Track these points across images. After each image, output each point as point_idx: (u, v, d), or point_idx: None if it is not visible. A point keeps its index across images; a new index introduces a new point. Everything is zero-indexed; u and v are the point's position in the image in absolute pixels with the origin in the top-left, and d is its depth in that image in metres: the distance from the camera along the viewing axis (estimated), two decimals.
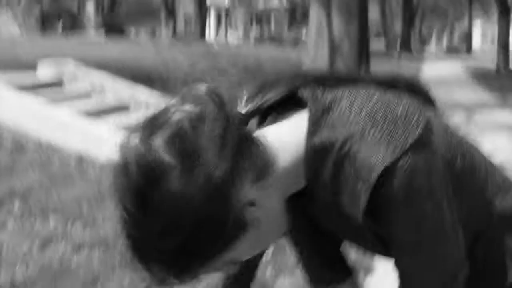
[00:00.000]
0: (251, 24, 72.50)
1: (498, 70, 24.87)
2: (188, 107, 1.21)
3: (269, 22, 75.47)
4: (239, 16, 71.52)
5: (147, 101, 9.58)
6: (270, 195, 1.25)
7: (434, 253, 1.32)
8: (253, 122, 1.35)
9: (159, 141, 1.17)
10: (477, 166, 1.42)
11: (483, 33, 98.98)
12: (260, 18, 75.62)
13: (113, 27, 40.24)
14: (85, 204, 5.67)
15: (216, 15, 62.04)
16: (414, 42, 62.43)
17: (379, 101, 1.29)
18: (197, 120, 1.18)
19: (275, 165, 1.25)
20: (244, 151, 1.19)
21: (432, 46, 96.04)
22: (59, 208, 5.54)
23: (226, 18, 66.80)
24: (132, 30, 43.92)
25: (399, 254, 1.36)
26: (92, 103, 9.10)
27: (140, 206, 1.17)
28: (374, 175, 1.23)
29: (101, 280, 4.22)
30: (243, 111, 1.32)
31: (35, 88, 8.92)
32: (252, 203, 1.21)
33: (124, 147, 1.22)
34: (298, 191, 1.36)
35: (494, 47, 28.10)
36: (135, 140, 1.20)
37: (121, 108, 9.36)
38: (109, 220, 5.31)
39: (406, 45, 46.16)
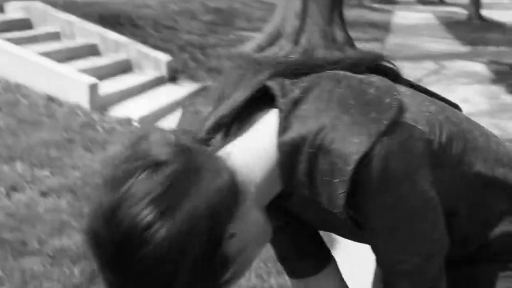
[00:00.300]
0: None
1: (469, 18, 24.88)
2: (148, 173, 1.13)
3: None
4: None
5: (116, 45, 9.44)
6: (248, 217, 1.22)
7: (411, 237, 1.28)
8: (217, 138, 1.28)
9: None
10: (455, 134, 1.36)
11: None
12: None
13: None
14: (53, 149, 5.59)
15: None
16: None
17: (349, 86, 1.24)
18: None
19: (246, 191, 1.21)
20: (217, 205, 1.15)
21: None
22: (26, 153, 5.45)
23: None
24: None
25: (376, 238, 1.32)
26: (61, 46, 8.94)
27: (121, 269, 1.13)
28: (350, 167, 1.18)
29: (69, 226, 4.17)
30: (205, 127, 1.26)
31: (3, 29, 8.74)
32: (232, 235, 1.18)
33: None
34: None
35: None
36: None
37: (90, 51, 9.21)
38: (77, 168, 5.25)
39: None
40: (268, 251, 3.43)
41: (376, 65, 1.41)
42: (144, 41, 10.57)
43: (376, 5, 35.22)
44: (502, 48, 16.76)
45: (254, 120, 1.28)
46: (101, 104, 7.30)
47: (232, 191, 1.17)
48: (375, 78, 1.29)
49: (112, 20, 11.75)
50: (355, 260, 2.64)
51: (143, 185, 1.11)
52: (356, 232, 1.37)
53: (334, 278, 1.63)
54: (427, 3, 45.60)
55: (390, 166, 1.19)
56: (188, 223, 1.10)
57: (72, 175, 5.08)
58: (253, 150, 1.25)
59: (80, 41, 9.36)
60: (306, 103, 1.23)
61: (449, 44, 17.26)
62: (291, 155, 1.22)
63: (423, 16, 29.48)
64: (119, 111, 7.36)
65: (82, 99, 7.11)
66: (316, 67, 1.32)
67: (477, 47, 17.02)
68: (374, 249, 1.34)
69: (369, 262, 1.35)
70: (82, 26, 9.65)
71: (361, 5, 31.42)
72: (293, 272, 1.62)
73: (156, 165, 1.12)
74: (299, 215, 1.42)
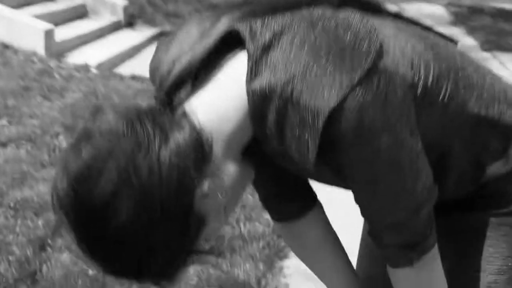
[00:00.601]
0: None
1: None
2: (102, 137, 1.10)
3: None
4: None
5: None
6: (222, 171, 1.18)
7: (393, 191, 1.21)
8: (184, 90, 1.21)
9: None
10: (445, 72, 1.27)
11: None
12: None
13: None
14: (10, 98, 5.43)
15: None
16: None
17: (324, 30, 1.14)
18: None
19: (214, 146, 1.15)
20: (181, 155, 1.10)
21: None
22: None
23: None
24: None
25: (358, 192, 1.25)
26: None
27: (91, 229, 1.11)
28: (321, 121, 1.10)
29: (30, 177, 4.06)
30: (168, 82, 1.19)
31: None
32: (205, 195, 1.14)
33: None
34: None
35: None
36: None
37: None
38: (35, 116, 5.11)
39: None
40: None
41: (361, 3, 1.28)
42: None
43: None
44: None
45: (221, 68, 1.19)
46: (57, 51, 7.11)
47: (197, 149, 1.12)
48: (355, 19, 1.17)
49: None
50: (340, 204, 2.57)
51: (104, 150, 1.08)
52: (337, 181, 1.30)
53: (319, 222, 1.58)
54: None
55: (365, 119, 1.11)
56: (150, 186, 1.07)
57: (30, 123, 4.93)
58: (220, 101, 1.17)
59: None
60: (277, 49, 1.13)
61: None
62: (260, 105, 1.14)
63: None
64: (76, 57, 7.18)
65: (38, 46, 6.91)
66: (290, 6, 1.22)
67: None
68: (357, 201, 1.27)
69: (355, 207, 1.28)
70: None
71: None
72: (276, 214, 1.57)
73: (114, 134, 1.09)
74: (277, 161, 1.34)
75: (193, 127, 1.13)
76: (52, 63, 6.70)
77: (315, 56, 1.10)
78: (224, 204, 1.19)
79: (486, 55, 8.69)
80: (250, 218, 3.71)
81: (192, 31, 1.23)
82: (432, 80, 1.22)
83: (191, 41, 1.21)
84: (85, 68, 6.75)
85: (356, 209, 1.28)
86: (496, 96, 1.33)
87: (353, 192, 1.26)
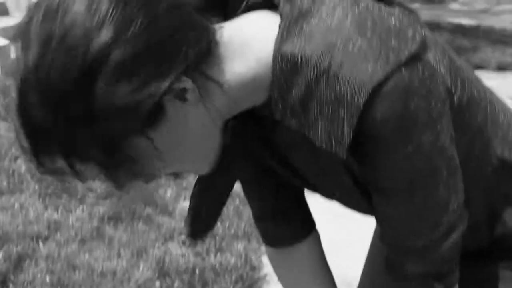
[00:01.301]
0: None
1: None
2: None
3: None
4: None
5: (29, 4, 8.98)
6: (209, 95, 1.02)
7: (430, 200, 1.07)
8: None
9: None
10: (478, 99, 1.16)
11: None
12: None
13: None
14: None
15: None
16: None
17: (369, 8, 1.03)
18: None
19: (223, 68, 1.02)
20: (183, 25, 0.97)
21: None
22: None
23: None
24: None
25: (385, 204, 1.10)
26: None
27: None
28: (362, 97, 0.97)
29: None
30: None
31: None
32: (182, 96, 0.98)
33: None
34: (254, 112, 1.11)
35: None
36: None
37: None
38: None
39: None
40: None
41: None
42: None
43: None
44: (416, 5, 16.88)
45: (251, 19, 1.07)
46: None
47: (206, 45, 0.99)
48: (396, 10, 1.06)
49: None
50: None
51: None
52: (351, 192, 1.16)
53: (314, 252, 1.43)
54: None
55: (410, 106, 0.99)
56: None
57: None
58: (243, 43, 1.04)
59: None
60: (316, 16, 1.01)
61: None
62: (287, 74, 1.01)
63: None
64: None
65: None
66: None
67: None
68: (381, 219, 1.14)
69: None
70: None
71: None
72: (269, 237, 1.42)
73: None
74: (285, 156, 1.19)
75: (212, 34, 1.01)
76: (9, 82, 6.48)
77: (359, 28, 0.99)
78: (179, 141, 1.03)
79: None
80: (221, 248, 3.57)
81: None
82: (467, 100, 1.12)
83: None
84: None
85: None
86: None
87: (378, 206, 1.12)
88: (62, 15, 0.93)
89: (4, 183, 4.18)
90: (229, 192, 1.26)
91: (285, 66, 1.01)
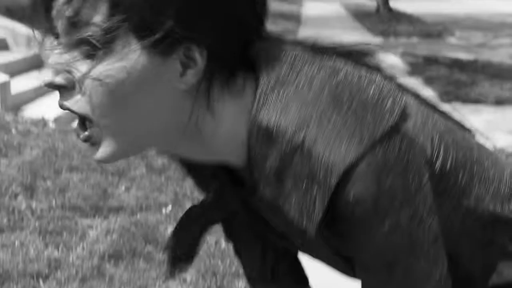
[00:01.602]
0: None
1: (378, 9, 25.13)
2: None
3: None
4: None
5: (27, 39, 9.01)
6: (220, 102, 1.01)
7: (409, 275, 1.05)
8: None
9: None
10: (463, 162, 1.14)
11: None
12: None
13: None
14: None
15: None
16: None
17: (347, 78, 1.01)
18: None
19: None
20: None
21: None
22: None
23: None
24: None
25: (367, 276, 1.08)
26: None
27: None
28: (334, 177, 0.96)
29: None
30: None
31: None
32: (189, 57, 0.96)
33: None
34: (234, 173, 1.11)
35: None
36: None
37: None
38: None
39: None
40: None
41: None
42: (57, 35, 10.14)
43: None
44: (414, 39, 16.96)
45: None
46: (13, 104, 6.91)
47: None
48: (377, 77, 1.04)
49: (21, 13, 11.26)
50: None
51: None
52: (335, 260, 1.16)
53: None
54: None
55: (385, 184, 0.97)
56: None
57: None
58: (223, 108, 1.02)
59: None
60: (292, 86, 0.99)
61: (361, 35, 17.36)
62: (262, 144, 0.99)
63: (331, 7, 29.70)
64: (33, 111, 6.98)
65: None
66: (314, 50, 1.08)
67: (389, 38, 17.18)
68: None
69: None
70: None
71: None
72: None
73: None
74: (266, 217, 1.17)
75: None
76: (8, 117, 6.50)
77: (335, 103, 0.97)
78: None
79: (446, 107, 8.70)
80: (221, 286, 3.55)
81: None
82: (450, 165, 1.10)
83: None
84: (43, 122, 6.55)
85: None
86: None
87: (360, 276, 1.09)
88: None
89: (4, 220, 4.16)
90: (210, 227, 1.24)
91: (261, 136, 1.00)
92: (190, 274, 3.60)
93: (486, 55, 13.58)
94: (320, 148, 0.96)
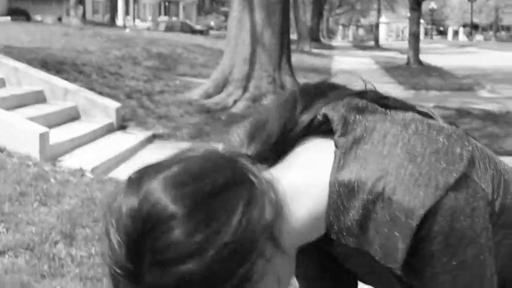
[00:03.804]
0: (160, 13, 71.98)
1: (408, 62, 25.26)
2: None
3: (178, 12, 75.20)
4: (147, 4, 70.88)
5: (64, 92, 9.18)
6: (275, 261, 1.09)
7: None
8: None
9: (161, 190, 1.01)
10: None
11: (388, 28, 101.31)
12: (168, 7, 75.26)
13: (18, 13, 39.02)
14: (6, 204, 5.29)
15: (124, 3, 61.00)
16: (323, 34, 63.36)
17: (418, 131, 1.11)
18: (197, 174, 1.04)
19: (286, 220, 1.08)
20: (256, 201, 1.04)
21: (338, 39, 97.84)
22: None
23: (134, 6, 65.97)
24: (38, 17, 42.60)
25: None
26: (6, 93, 8.61)
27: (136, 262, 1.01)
28: (415, 220, 1.05)
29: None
30: (248, 151, 1.15)
31: None
32: (264, 256, 1.04)
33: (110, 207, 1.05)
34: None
35: (399, 41, 28.49)
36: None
37: (36, 98, 8.92)
38: (32, 223, 4.96)
39: (315, 37, 46.57)
40: None
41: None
42: (90, 88, 10.34)
43: (315, 50, 35.55)
44: (445, 93, 16.99)
45: (303, 149, 1.15)
46: (52, 154, 7.02)
47: (276, 213, 1.05)
48: (445, 124, 1.16)
49: (56, 66, 11.49)
50: None
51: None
52: None
53: None
54: (363, 48, 46.35)
55: (457, 225, 1.06)
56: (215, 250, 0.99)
57: (28, 230, 4.78)
58: (301, 181, 1.11)
59: (26, 88, 9.05)
60: (368, 143, 1.10)
61: (393, 89, 17.41)
62: (344, 198, 1.09)
63: (362, 60, 29.93)
64: (70, 161, 7.09)
65: (32, 149, 6.82)
66: (379, 101, 1.21)
67: (420, 91, 17.22)
68: None
69: None
70: (28, 72, 9.36)
71: (301, 51, 31.68)
72: None
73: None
74: (341, 261, 1.28)
75: (277, 202, 1.07)
76: (47, 167, 6.59)
77: (409, 155, 1.08)
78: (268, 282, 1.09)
79: None
80: None
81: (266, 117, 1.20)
82: (510, 202, 1.18)
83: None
84: (80, 172, 6.64)
85: None
86: None
87: None
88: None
89: (45, 267, 4.20)
90: None
91: (343, 191, 1.09)
92: None
93: None
94: (400, 195, 1.05)
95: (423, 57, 26.60)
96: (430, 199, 1.05)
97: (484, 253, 1.11)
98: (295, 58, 19.02)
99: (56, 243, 4.62)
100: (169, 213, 0.99)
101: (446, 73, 22.10)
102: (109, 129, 8.87)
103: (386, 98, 1.25)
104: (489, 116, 12.06)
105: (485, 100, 15.39)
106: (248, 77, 12.22)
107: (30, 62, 10.43)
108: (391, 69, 23.88)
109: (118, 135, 8.90)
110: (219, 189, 1.01)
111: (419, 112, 1.24)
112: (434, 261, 1.09)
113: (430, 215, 1.05)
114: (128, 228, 1.00)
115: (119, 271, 1.02)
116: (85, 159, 7.18)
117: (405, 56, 27.00)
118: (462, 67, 24.96)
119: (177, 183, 1.01)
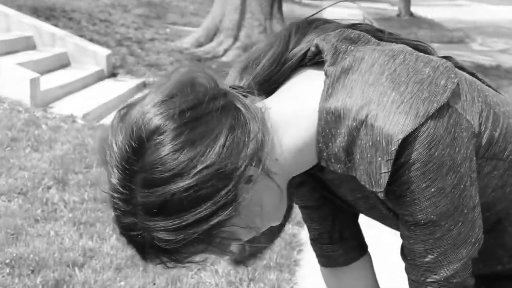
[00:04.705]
0: None
1: (399, 14, 25.14)
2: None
3: None
4: None
5: (53, 38, 9.10)
6: (263, 186, 1.14)
7: (448, 236, 1.18)
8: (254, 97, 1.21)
9: (150, 108, 1.09)
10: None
11: None
12: None
13: None
14: None
15: None
16: None
17: (405, 61, 1.16)
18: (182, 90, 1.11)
19: (274, 147, 1.14)
20: (240, 123, 1.10)
21: None
22: None
23: None
24: None
25: (408, 232, 1.21)
26: None
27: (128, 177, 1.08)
28: (393, 145, 1.10)
29: (24, 232, 3.93)
30: (240, 83, 1.23)
31: None
32: (248, 180, 1.10)
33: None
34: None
35: None
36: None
37: (26, 44, 8.84)
38: (25, 168, 4.98)
39: None
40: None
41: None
42: (80, 35, 10.26)
43: (305, 1, 35.30)
44: (434, 45, 16.95)
45: (296, 80, 1.23)
46: (42, 100, 7.00)
47: (261, 137, 1.11)
48: (435, 57, 1.20)
49: (46, 13, 11.38)
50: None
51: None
52: (390, 217, 1.29)
53: (366, 274, 1.54)
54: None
55: (435, 153, 1.12)
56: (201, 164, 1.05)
57: (20, 175, 4.81)
58: (291, 110, 1.18)
59: (16, 34, 8.97)
60: (356, 72, 1.15)
61: None
62: (331, 125, 1.15)
63: (353, 12, 29.68)
64: (61, 107, 7.07)
65: (23, 95, 6.80)
66: (374, 33, 1.27)
67: None
68: (407, 251, 1.24)
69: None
70: (17, 18, 9.26)
71: (292, 1, 31.42)
72: (324, 258, 1.53)
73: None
74: (333, 190, 1.34)
75: (264, 128, 1.12)
76: (38, 113, 6.59)
77: (393, 84, 1.12)
78: (257, 215, 1.16)
79: None
80: (253, 278, 3.61)
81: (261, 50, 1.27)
82: (500, 134, 1.22)
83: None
84: (71, 118, 6.65)
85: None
86: None
87: (405, 232, 1.22)
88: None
89: (39, 211, 4.24)
90: (288, 217, 1.34)
91: (330, 118, 1.15)
92: (222, 266, 3.66)
93: (508, 61, 13.56)
94: (381, 122, 1.10)
95: (415, 9, 26.46)
96: (409, 125, 1.09)
97: (465, 182, 1.15)
98: (286, 8, 18.90)
99: (49, 188, 4.66)
100: (157, 125, 1.05)
101: (437, 25, 22.00)
102: (99, 76, 8.82)
103: (381, 31, 1.30)
104: (479, 69, 12.07)
105: (475, 53, 15.39)
106: (238, 26, 12.14)
107: (20, 8, 10.32)
108: (382, 21, 23.75)
109: (109, 82, 8.85)
110: (205, 111, 1.07)
111: (415, 47, 1.28)
112: (414, 187, 1.14)
113: (409, 141, 1.10)
114: (121, 147, 1.07)
115: (114, 194, 1.08)
116: (76, 105, 7.16)
117: (396, 8, 26.84)
118: (453, 20, 24.86)
119: (167, 101, 1.07)
